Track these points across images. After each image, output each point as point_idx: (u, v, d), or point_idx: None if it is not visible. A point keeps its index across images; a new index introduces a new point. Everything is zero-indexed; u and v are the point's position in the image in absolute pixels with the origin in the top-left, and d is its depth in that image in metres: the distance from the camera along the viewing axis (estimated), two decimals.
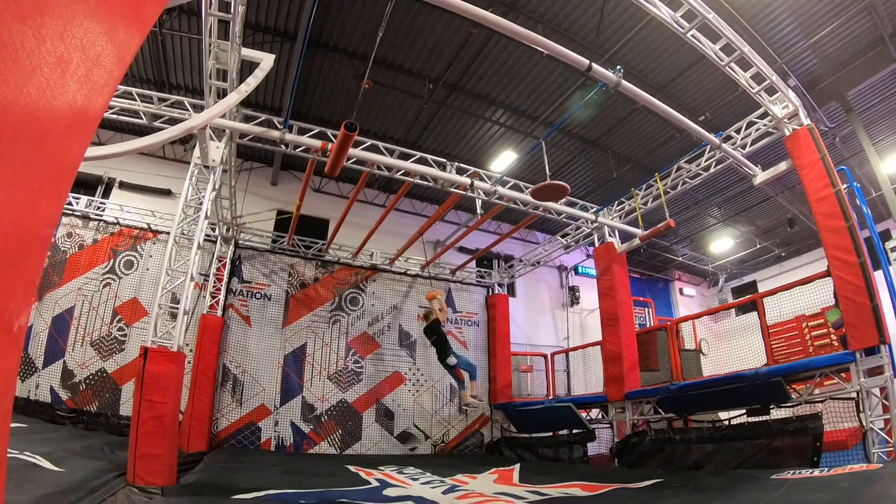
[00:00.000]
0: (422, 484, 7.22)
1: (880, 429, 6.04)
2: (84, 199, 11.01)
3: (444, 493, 6.45)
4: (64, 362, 9.93)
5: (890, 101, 11.84)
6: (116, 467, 5.82)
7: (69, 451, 6.57)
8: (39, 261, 1.58)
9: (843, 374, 6.54)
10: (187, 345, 7.93)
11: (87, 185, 11.91)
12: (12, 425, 6.38)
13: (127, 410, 9.34)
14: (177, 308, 6.23)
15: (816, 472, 5.52)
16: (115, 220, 10.83)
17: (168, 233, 6.66)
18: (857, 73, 10.51)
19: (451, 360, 9.52)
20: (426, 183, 8.59)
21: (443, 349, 9.42)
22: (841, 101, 10.87)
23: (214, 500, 5.03)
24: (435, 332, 9.51)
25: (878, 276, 6.90)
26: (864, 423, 6.13)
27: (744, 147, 8.11)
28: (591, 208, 10.39)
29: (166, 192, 11.79)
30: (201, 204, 6.77)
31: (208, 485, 5.97)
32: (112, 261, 10.57)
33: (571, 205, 10.12)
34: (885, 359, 6.07)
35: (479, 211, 9.43)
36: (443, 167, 8.53)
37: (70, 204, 10.80)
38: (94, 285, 10.45)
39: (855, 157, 13.00)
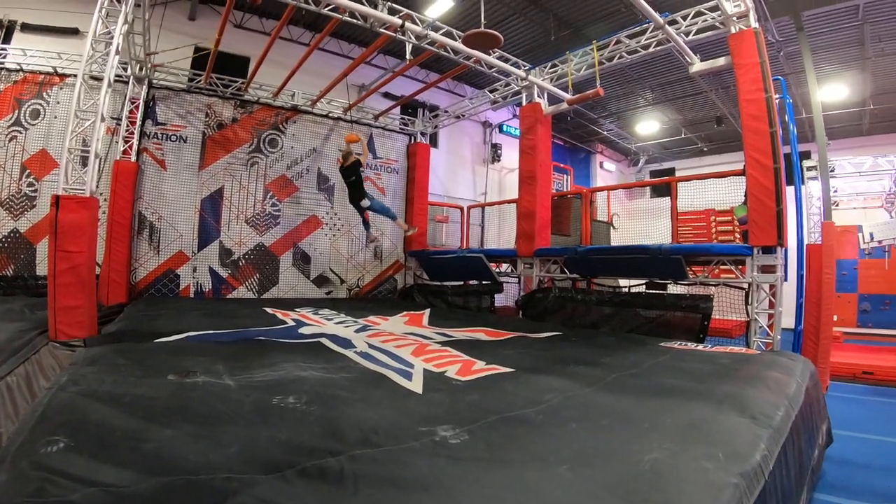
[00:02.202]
0: (336, 324, 7.49)
1: (764, 322, 6.73)
2: None
3: (357, 331, 6.75)
4: None
5: (840, 34, 11.99)
6: (38, 326, 5.72)
7: None
8: None
9: (739, 267, 7.07)
10: (101, 194, 7.58)
11: None
12: None
13: (44, 270, 9.00)
14: (88, 152, 5.87)
15: (701, 347, 6.13)
16: (18, 67, 9.67)
17: (76, 75, 6.08)
18: None
19: (366, 203, 9.80)
20: (355, 21, 8.08)
21: (360, 190, 9.71)
22: (794, 19, 10.85)
23: (137, 345, 5.06)
24: (355, 174, 9.54)
25: (790, 192, 7.37)
26: (750, 314, 6.81)
27: (687, 34, 7.98)
28: (524, 66, 10.21)
29: (73, 32, 10.47)
30: (112, 38, 6.20)
31: (130, 332, 5.98)
32: (17, 111, 9.56)
33: (504, 61, 9.90)
34: (779, 260, 6.64)
35: (408, 56, 9.05)
36: (374, 5, 8.04)
37: None
38: None
39: (794, 76, 13.22)
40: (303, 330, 6.81)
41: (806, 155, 11.81)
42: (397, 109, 13.25)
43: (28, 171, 9.57)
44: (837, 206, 13.03)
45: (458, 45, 8.61)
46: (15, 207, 9.46)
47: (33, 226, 9.49)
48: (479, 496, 2.10)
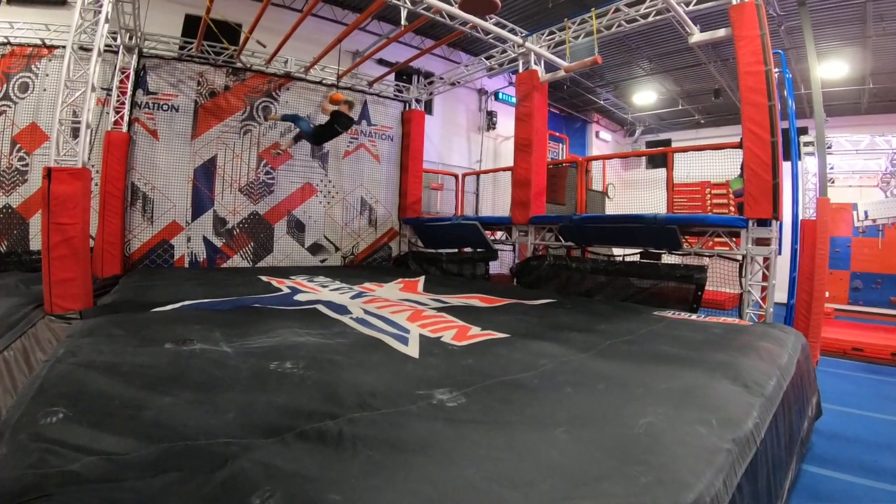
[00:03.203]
0: (331, 290, 7.53)
1: (757, 294, 6.79)
2: None
3: (352, 298, 6.80)
4: None
5: (842, 11, 11.77)
6: (33, 300, 5.70)
7: None
8: None
9: (734, 240, 7.08)
10: (93, 166, 7.49)
11: None
12: None
13: (38, 245, 8.90)
14: (79, 123, 5.76)
15: (694, 317, 6.19)
16: (6, 40, 9.40)
17: (65, 46, 5.97)
18: None
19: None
20: None
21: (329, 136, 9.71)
22: None
23: (133, 315, 5.06)
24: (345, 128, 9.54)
25: (787, 167, 7.36)
26: (744, 286, 6.87)
27: (687, 4, 7.86)
28: (521, 33, 10.08)
29: (61, 2, 10.10)
30: (101, 6, 6.07)
31: (126, 303, 5.98)
32: (5, 86, 9.35)
33: (501, 27, 9.75)
34: (774, 233, 6.67)
35: (403, 22, 8.94)
36: None
37: None
38: None
39: (794, 52, 13.03)
40: (298, 297, 6.83)
41: (803, 131, 11.75)
42: (392, 76, 13.04)
43: (18, 145, 9.40)
44: (833, 183, 13.05)
45: (455, 10, 8.48)
46: (6, 182, 9.33)
47: (25, 200, 9.37)
48: (477, 457, 2.14)
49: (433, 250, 12.26)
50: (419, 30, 11.81)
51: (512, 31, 9.88)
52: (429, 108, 15.08)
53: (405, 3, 8.32)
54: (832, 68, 14.34)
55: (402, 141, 13.65)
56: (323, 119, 9.84)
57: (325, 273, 9.85)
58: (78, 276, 5.55)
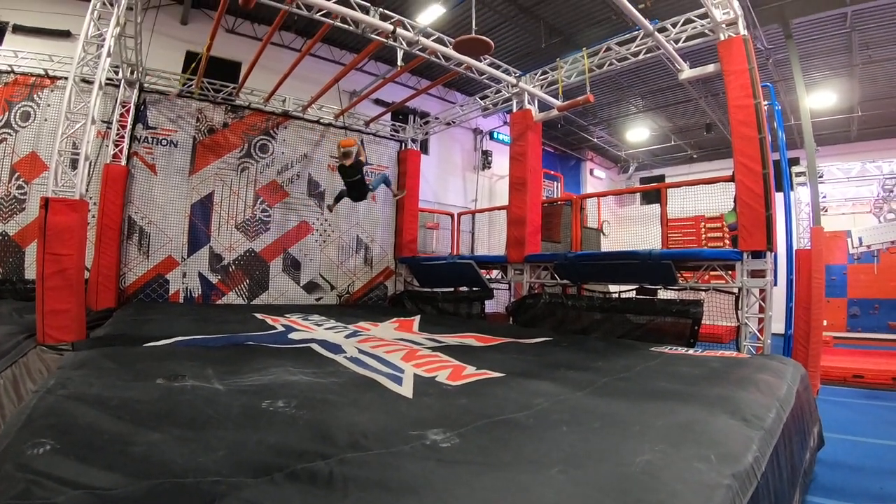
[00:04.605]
0: (326, 329, 7.47)
1: (754, 326, 6.77)
2: None
3: (347, 337, 6.74)
4: None
5: (828, 42, 12.16)
6: (26, 330, 5.68)
7: None
8: None
9: (729, 272, 7.11)
10: (91, 197, 7.53)
11: None
12: None
13: (32, 274, 8.89)
14: (78, 154, 5.82)
15: (691, 351, 6.14)
16: (10, 69, 9.54)
17: (67, 78, 6.06)
18: (805, 6, 10.63)
19: (371, 192, 9.97)
20: (346, 27, 8.09)
21: (364, 188, 9.49)
22: (783, 27, 10.96)
23: (125, 349, 5.02)
24: (360, 173, 9.23)
25: (779, 198, 7.43)
26: (740, 318, 6.86)
27: (676, 41, 8.05)
28: (514, 73, 10.24)
29: (65, 34, 10.35)
30: (103, 40, 6.18)
31: (119, 336, 5.95)
32: (7, 113, 9.44)
33: (495, 67, 9.92)
34: (769, 265, 6.68)
35: (399, 62, 9.08)
36: (366, 11, 8.05)
37: None
38: None
39: (783, 84, 13.37)
40: (292, 335, 6.77)
41: (795, 161, 11.92)
42: (388, 116, 13.23)
43: (18, 173, 9.45)
44: (826, 211, 13.13)
45: (449, 51, 8.64)
46: (4, 210, 9.34)
47: (22, 229, 9.37)
48: (471, 499, 2.09)
49: (429, 289, 12.23)
50: (415, 70, 12.01)
51: (506, 71, 10.05)
52: (425, 147, 15.25)
53: (401, 44, 8.45)
54: (821, 98, 14.63)
55: (398, 180, 13.67)
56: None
57: (321, 312, 9.80)
58: (72, 307, 5.53)
